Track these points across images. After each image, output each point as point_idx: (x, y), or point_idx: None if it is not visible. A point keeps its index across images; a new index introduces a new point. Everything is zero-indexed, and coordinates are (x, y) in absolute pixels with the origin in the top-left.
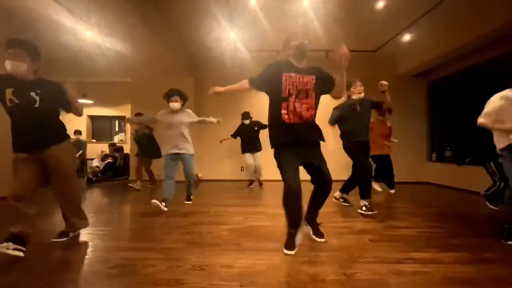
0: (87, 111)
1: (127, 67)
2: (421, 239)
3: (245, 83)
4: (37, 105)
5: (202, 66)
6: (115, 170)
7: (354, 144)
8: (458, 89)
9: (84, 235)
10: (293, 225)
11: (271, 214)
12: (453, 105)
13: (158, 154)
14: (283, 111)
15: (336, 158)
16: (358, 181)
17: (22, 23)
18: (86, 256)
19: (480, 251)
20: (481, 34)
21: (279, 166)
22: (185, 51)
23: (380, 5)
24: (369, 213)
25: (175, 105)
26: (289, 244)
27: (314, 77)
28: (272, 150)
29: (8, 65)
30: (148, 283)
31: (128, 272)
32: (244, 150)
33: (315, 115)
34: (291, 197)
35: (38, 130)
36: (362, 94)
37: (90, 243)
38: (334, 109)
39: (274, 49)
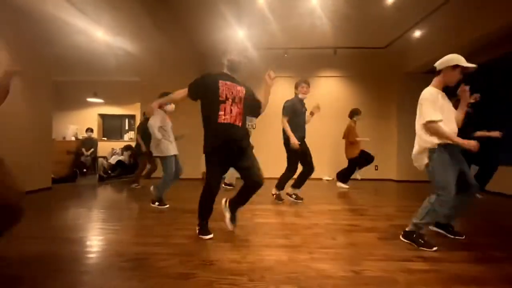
0: (98, 110)
1: (136, 67)
2: (430, 238)
3: (180, 92)
4: None
5: (211, 64)
6: (125, 168)
7: (299, 140)
8: (470, 85)
9: (98, 229)
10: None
11: (278, 211)
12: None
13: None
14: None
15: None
16: (301, 173)
17: (36, 24)
18: (100, 250)
19: (489, 250)
20: (494, 28)
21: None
22: (194, 50)
23: (389, 1)
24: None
25: (173, 106)
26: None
27: (245, 88)
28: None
29: None
30: (160, 277)
31: (141, 265)
32: None
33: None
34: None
35: None
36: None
37: (103, 238)
38: (286, 102)
39: (282, 47)
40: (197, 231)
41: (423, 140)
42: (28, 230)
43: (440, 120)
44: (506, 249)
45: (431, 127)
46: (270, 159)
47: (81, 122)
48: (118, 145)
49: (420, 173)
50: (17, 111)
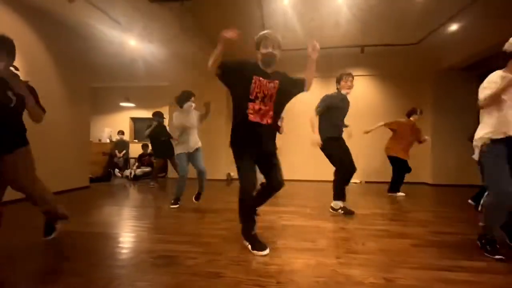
0: (130, 113)
1: (165, 72)
2: (472, 246)
3: (215, 63)
4: (12, 104)
5: None
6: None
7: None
8: None
9: (131, 227)
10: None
11: (303, 214)
12: None
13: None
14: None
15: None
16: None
17: (73, 34)
18: (133, 246)
19: None
20: None
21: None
22: None
23: None
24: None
25: (193, 104)
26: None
27: (278, 81)
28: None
29: None
30: (190, 274)
31: (172, 263)
32: None
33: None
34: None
35: (8, 130)
36: (350, 91)
37: (136, 235)
38: (325, 95)
39: (306, 48)
40: (248, 246)
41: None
42: (68, 226)
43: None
44: None
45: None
46: (297, 161)
47: (114, 125)
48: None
49: (458, 177)
50: (60, 116)
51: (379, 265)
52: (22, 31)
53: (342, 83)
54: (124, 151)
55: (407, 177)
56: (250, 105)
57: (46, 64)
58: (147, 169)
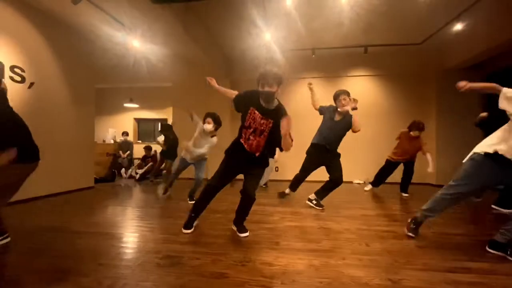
0: (133, 114)
1: (168, 73)
2: (478, 248)
3: (232, 94)
4: None
5: (238, 68)
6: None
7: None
8: None
9: (136, 227)
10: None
11: (308, 215)
12: None
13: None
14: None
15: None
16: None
17: (78, 36)
18: (137, 246)
19: None
20: None
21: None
22: (221, 54)
23: None
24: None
25: (208, 126)
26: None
27: (272, 121)
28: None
29: None
30: (195, 274)
31: (176, 263)
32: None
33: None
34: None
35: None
36: (346, 108)
37: (140, 235)
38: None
39: (309, 48)
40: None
41: None
42: (74, 226)
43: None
44: None
45: None
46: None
47: (118, 126)
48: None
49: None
50: (66, 117)
51: (384, 266)
52: (27, 33)
53: (337, 102)
54: (128, 152)
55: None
56: (243, 131)
57: (52, 66)
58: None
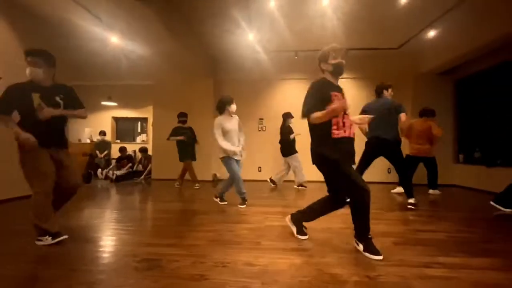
0: (112, 113)
1: (149, 71)
2: (449, 243)
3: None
4: (61, 108)
5: (221, 67)
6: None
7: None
8: (487, 87)
9: (112, 230)
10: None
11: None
12: (482, 104)
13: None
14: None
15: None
16: None
17: (54, 31)
18: (115, 250)
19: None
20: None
21: (348, 175)
22: (205, 53)
23: (403, 0)
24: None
25: (234, 106)
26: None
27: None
28: None
29: (28, 70)
30: (174, 277)
31: (155, 266)
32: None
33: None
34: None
35: (59, 131)
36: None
37: (117, 238)
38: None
39: (292, 50)
40: (364, 250)
41: None
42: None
43: None
44: None
45: None
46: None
47: (95, 125)
48: (130, 147)
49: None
50: None
51: (362, 264)
52: None
53: None
54: (106, 152)
55: (389, 177)
56: (334, 122)
57: (21, 61)
58: (129, 170)
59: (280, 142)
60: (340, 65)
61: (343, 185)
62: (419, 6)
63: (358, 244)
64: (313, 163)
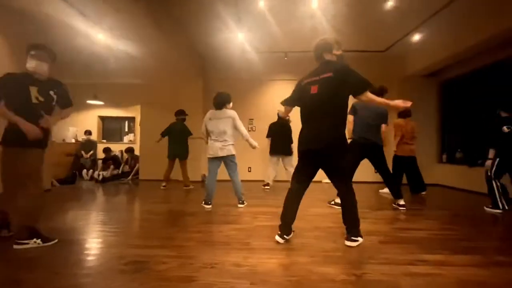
0: (98, 112)
1: (137, 69)
2: (433, 241)
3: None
4: (54, 103)
5: (211, 67)
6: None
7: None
8: (470, 89)
9: (98, 232)
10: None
11: (278, 214)
12: (465, 106)
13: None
14: None
15: None
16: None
17: (36, 26)
18: (100, 252)
19: (494, 254)
20: (495, 32)
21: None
22: (194, 52)
23: (389, 4)
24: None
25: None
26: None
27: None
28: None
29: (33, 63)
30: (161, 280)
31: (141, 268)
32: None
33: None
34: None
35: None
36: None
37: (103, 240)
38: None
39: (282, 50)
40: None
41: None
42: None
43: None
44: (511, 253)
45: None
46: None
47: (81, 124)
48: (117, 147)
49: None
50: None
51: (349, 262)
52: None
53: None
54: (92, 152)
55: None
56: None
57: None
58: (115, 171)
59: (282, 142)
60: (342, 57)
61: (346, 171)
62: (406, 10)
63: (353, 241)
64: (327, 148)
